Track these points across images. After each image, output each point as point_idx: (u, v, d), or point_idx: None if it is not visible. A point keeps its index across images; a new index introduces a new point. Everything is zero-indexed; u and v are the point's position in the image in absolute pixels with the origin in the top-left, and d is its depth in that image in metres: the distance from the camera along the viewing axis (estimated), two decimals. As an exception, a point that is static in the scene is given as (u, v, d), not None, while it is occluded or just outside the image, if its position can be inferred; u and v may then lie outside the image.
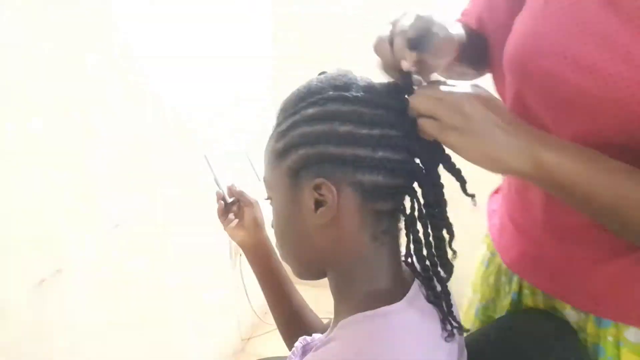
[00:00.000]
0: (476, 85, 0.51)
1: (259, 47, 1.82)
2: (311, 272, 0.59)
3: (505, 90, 0.64)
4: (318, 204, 0.51)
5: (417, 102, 0.50)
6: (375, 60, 0.53)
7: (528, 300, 0.74)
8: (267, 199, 0.59)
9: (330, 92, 0.51)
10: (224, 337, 1.76)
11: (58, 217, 0.93)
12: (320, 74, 0.56)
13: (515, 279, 0.75)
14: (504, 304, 0.77)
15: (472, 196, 0.51)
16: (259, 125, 1.68)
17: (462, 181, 0.52)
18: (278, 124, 0.55)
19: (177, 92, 1.28)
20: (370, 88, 0.52)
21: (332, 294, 0.57)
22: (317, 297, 2.18)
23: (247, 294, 1.84)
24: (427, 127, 0.49)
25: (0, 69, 0.78)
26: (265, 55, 1.87)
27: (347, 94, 0.51)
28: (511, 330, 0.71)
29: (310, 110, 0.51)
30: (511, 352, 0.67)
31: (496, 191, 0.85)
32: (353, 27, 1.77)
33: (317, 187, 0.50)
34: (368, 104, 0.50)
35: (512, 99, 0.62)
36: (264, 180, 0.58)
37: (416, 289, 0.54)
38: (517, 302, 0.75)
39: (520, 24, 0.59)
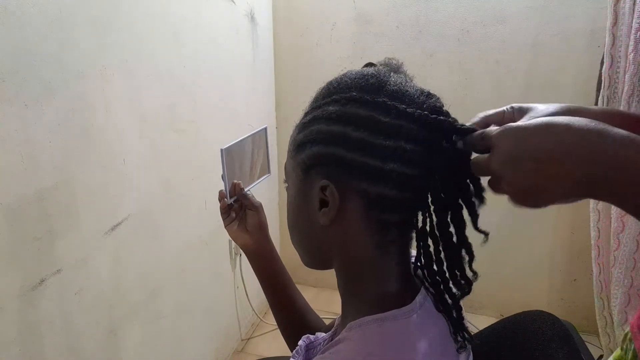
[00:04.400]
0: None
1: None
2: (317, 261, 0.59)
3: None
4: (323, 203, 0.50)
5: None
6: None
7: None
8: (285, 183, 0.59)
9: (354, 93, 0.48)
10: (224, 337, 1.75)
11: (58, 217, 0.93)
12: (365, 66, 0.53)
13: (633, 348, 0.66)
14: None
15: (486, 234, 0.47)
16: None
17: (474, 215, 0.47)
18: (305, 115, 0.54)
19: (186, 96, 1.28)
20: (399, 94, 0.48)
21: (340, 293, 0.57)
22: (317, 296, 2.19)
23: (247, 294, 1.84)
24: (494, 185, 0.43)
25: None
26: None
27: (368, 97, 0.47)
28: (515, 332, 0.70)
29: (331, 108, 0.49)
30: (515, 353, 0.66)
31: None
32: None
33: (323, 188, 0.49)
34: (389, 112, 0.46)
35: None
36: (284, 166, 0.58)
37: (424, 295, 0.53)
38: None
39: None
